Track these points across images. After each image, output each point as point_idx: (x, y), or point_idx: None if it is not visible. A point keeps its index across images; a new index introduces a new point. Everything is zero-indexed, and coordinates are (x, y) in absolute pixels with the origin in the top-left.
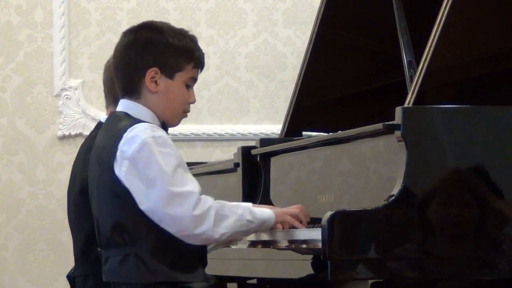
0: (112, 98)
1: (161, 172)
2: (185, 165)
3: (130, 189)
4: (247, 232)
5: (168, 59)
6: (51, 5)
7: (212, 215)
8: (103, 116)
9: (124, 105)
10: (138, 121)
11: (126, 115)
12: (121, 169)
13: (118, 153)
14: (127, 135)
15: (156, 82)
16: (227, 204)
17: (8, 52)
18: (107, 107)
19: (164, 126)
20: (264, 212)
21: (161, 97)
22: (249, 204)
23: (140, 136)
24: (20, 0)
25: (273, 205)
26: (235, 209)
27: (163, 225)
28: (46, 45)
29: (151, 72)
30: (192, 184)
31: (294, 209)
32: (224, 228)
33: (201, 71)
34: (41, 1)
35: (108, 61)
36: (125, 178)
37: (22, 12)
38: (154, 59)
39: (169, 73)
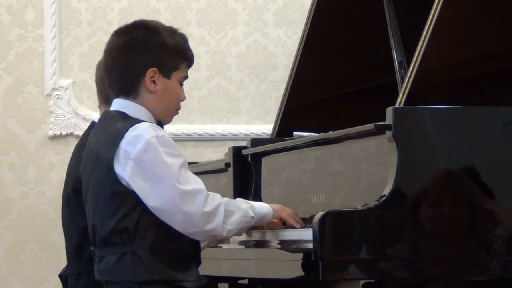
0: (103, 98)
1: (168, 171)
2: (187, 164)
3: (136, 188)
4: (248, 228)
5: (165, 58)
6: (42, 5)
7: (222, 212)
8: (94, 115)
9: (120, 105)
10: (137, 120)
11: (123, 114)
12: (125, 170)
13: (121, 153)
14: (129, 134)
15: (154, 82)
16: (230, 199)
17: None
18: (100, 106)
19: (160, 125)
20: (262, 207)
21: (159, 96)
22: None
23: (143, 136)
24: (11, 0)
25: None
26: (239, 204)
27: (172, 222)
28: (37, 44)
29: (151, 72)
30: (198, 182)
31: (289, 209)
32: (231, 224)
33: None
34: (32, 0)
35: (99, 61)
36: (130, 178)
37: (13, 11)
38: (152, 59)
39: (167, 72)
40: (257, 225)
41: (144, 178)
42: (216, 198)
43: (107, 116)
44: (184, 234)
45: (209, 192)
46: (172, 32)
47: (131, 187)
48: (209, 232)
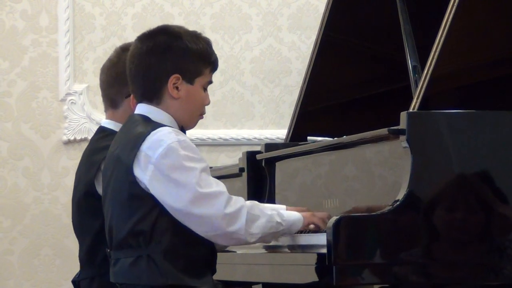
0: (108, 101)
1: (189, 175)
2: (208, 169)
3: (155, 193)
4: (276, 235)
5: (188, 64)
6: (56, 10)
7: (244, 214)
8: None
9: (143, 109)
10: (160, 124)
11: (146, 118)
12: (145, 173)
13: (142, 157)
14: (150, 138)
15: (177, 88)
16: (256, 203)
17: (13, 57)
18: (106, 110)
19: (182, 130)
20: (292, 214)
21: (182, 102)
22: (276, 206)
23: (165, 141)
24: (25, 5)
25: None
26: (265, 210)
27: (194, 226)
28: (51, 50)
29: (173, 79)
30: (219, 185)
31: (321, 213)
32: (255, 228)
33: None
34: (46, 6)
35: (103, 65)
36: (149, 182)
37: (27, 17)
38: (175, 65)
39: (190, 78)
40: (291, 233)
41: (164, 183)
42: (239, 201)
43: (130, 119)
44: (206, 238)
45: (233, 196)
46: (196, 36)
47: (150, 191)
48: (232, 234)
